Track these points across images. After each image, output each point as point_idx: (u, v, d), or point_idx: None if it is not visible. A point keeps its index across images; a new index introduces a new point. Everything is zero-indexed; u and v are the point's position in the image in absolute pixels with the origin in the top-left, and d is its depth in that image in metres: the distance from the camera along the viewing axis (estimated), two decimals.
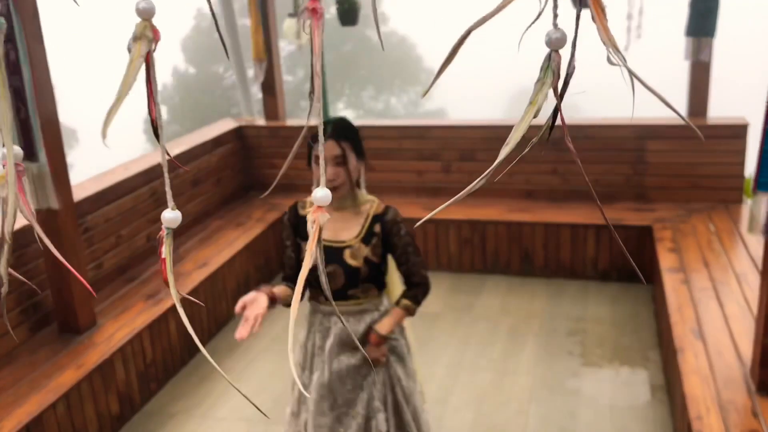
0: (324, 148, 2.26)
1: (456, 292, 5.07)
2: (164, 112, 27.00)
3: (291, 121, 6.21)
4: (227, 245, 4.93)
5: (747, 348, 3.27)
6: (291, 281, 2.60)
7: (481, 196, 5.57)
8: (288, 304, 2.47)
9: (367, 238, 2.51)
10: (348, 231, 2.52)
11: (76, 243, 3.75)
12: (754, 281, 3.96)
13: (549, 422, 3.59)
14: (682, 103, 5.38)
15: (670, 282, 4.05)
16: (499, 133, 5.50)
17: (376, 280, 2.58)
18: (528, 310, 4.77)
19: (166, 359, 4.08)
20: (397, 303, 2.55)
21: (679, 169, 5.26)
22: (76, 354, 3.61)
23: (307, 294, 2.68)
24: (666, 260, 4.33)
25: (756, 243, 4.47)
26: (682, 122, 5.32)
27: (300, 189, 6.00)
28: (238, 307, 2.34)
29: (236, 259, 4.83)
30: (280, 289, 2.49)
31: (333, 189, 2.41)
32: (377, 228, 2.52)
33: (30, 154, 3.53)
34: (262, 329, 4.65)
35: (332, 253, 2.50)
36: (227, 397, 3.94)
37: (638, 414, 3.62)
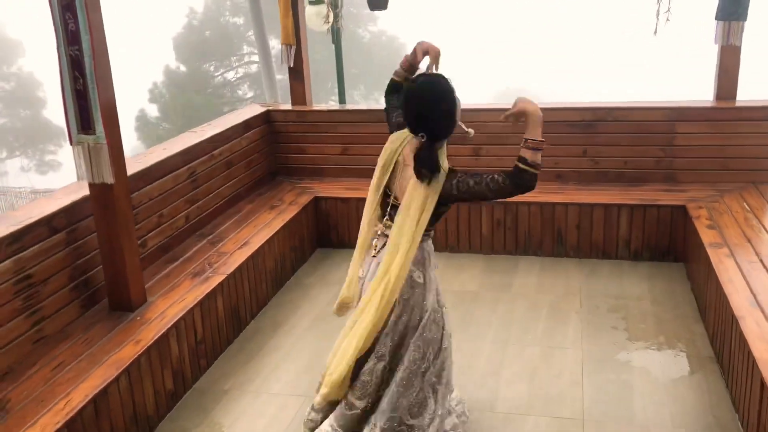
0: None
1: (491, 272, 5.08)
2: (155, 110, 26.82)
3: (318, 106, 6.20)
4: (264, 226, 4.92)
5: None
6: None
7: None
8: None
9: None
10: None
11: (129, 218, 3.72)
12: None
13: (605, 392, 3.62)
14: (710, 86, 5.44)
15: (715, 256, 4.09)
16: None
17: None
18: (565, 288, 4.80)
19: (215, 337, 4.06)
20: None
21: (709, 151, 5.31)
22: (132, 330, 3.59)
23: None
24: (707, 236, 4.38)
25: None
26: (711, 104, 5.36)
27: (327, 173, 6.02)
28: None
29: (274, 240, 4.81)
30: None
31: None
32: None
33: (86, 127, 3.50)
34: (306, 308, 4.66)
35: None
36: (279, 373, 3.93)
37: (692, 383, 3.66)
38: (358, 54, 27.01)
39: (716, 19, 5.17)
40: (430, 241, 2.98)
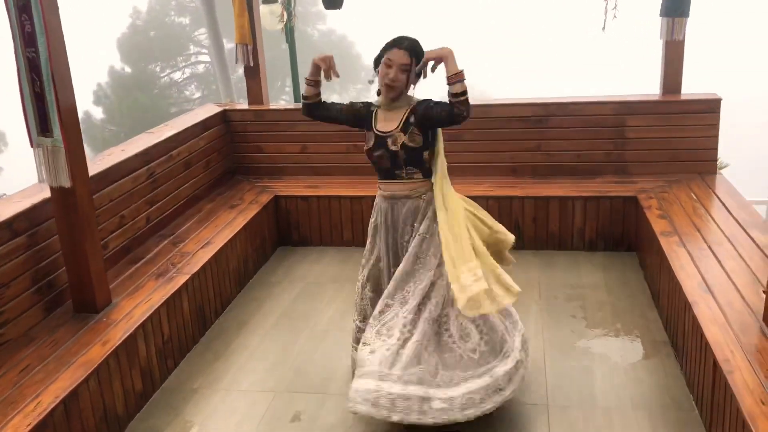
0: (397, 55, 2.94)
1: None
2: (100, 112, 26.29)
3: (275, 104, 6.21)
4: (226, 226, 4.92)
5: (754, 299, 3.49)
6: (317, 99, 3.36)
7: (467, 174, 5.69)
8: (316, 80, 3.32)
9: (404, 127, 3.17)
10: (392, 124, 3.20)
11: (91, 221, 3.70)
12: (744, 241, 4.20)
13: (567, 378, 3.74)
14: (656, 80, 5.64)
15: (667, 245, 4.26)
16: (487, 112, 5.65)
17: (419, 165, 3.22)
18: (525, 279, 4.90)
19: (181, 336, 4.06)
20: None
21: (657, 143, 5.51)
22: (98, 331, 3.57)
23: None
24: (658, 226, 4.55)
25: (738, 208, 4.74)
26: (658, 98, 5.55)
27: (286, 172, 6.04)
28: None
29: (237, 239, 4.82)
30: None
31: (389, 89, 3.14)
32: (412, 118, 3.16)
33: (44, 129, 3.47)
34: (270, 306, 4.68)
35: (380, 140, 3.21)
36: (247, 370, 3.95)
37: (649, 367, 3.81)
38: (307, 52, 26.92)
39: (660, 15, 5.36)
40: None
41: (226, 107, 6.07)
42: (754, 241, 4.19)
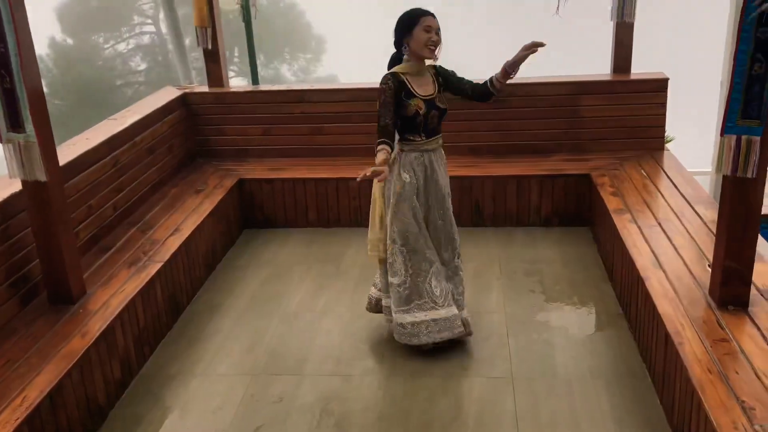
0: (433, 22, 3.52)
1: None
2: (43, 86, 25.58)
3: (235, 87, 6.24)
4: (193, 211, 4.98)
5: (701, 273, 3.74)
6: (390, 133, 3.56)
7: None
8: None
9: (439, 89, 3.74)
10: (429, 87, 3.70)
11: (64, 213, 3.74)
12: (691, 216, 4.47)
13: (529, 351, 3.96)
14: (607, 61, 5.85)
15: (619, 222, 4.49)
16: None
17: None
18: (485, 256, 5.13)
19: (155, 324, 4.14)
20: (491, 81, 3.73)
21: (609, 122, 5.74)
22: (76, 323, 3.63)
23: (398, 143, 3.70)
24: (611, 203, 4.79)
25: (684, 184, 5.01)
26: (610, 78, 5.76)
27: (249, 154, 6.10)
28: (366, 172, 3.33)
29: (204, 225, 4.89)
30: (386, 154, 3.47)
31: (433, 51, 3.61)
32: (440, 79, 3.75)
33: (16, 125, 3.48)
34: (240, 290, 4.79)
35: (430, 102, 3.67)
36: (223, 354, 4.06)
37: (605, 338, 4.05)
38: (256, 23, 26.57)
39: None
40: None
41: (186, 90, 6.08)
42: (700, 217, 4.45)
